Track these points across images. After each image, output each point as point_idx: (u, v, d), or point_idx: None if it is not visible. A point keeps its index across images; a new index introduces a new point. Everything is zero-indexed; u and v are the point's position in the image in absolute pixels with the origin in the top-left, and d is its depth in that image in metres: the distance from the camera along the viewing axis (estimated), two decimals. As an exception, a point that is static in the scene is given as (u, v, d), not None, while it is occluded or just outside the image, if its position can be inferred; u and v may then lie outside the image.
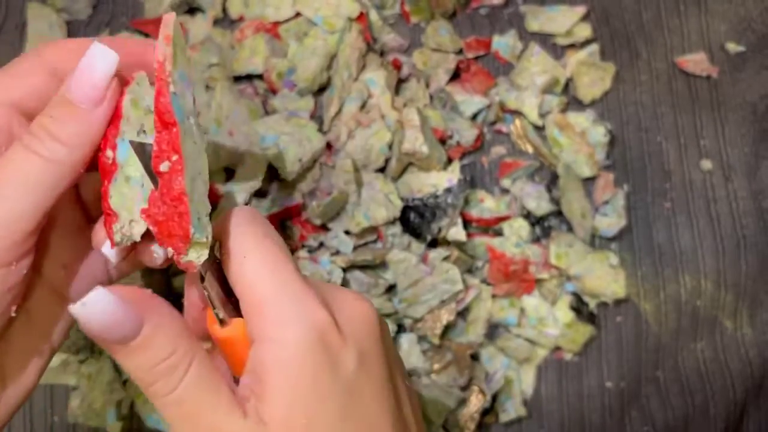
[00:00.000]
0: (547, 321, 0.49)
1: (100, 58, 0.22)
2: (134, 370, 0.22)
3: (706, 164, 0.52)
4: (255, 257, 0.23)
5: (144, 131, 0.24)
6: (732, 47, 0.54)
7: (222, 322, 0.24)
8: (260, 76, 0.50)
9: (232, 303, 0.25)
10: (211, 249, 0.24)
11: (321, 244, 0.47)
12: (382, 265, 0.47)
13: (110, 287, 0.21)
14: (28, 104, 0.23)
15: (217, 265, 0.25)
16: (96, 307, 0.20)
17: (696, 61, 0.53)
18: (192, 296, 0.26)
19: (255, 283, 0.23)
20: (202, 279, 0.24)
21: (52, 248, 0.25)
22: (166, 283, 0.46)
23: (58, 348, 0.26)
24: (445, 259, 0.47)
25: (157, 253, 0.25)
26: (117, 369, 0.46)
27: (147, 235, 0.24)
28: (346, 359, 0.23)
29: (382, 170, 0.48)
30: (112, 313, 0.20)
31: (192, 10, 0.53)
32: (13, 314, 0.22)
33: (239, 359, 0.24)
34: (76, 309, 0.20)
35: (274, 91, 0.49)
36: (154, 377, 0.21)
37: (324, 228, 0.47)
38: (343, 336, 0.23)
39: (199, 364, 0.22)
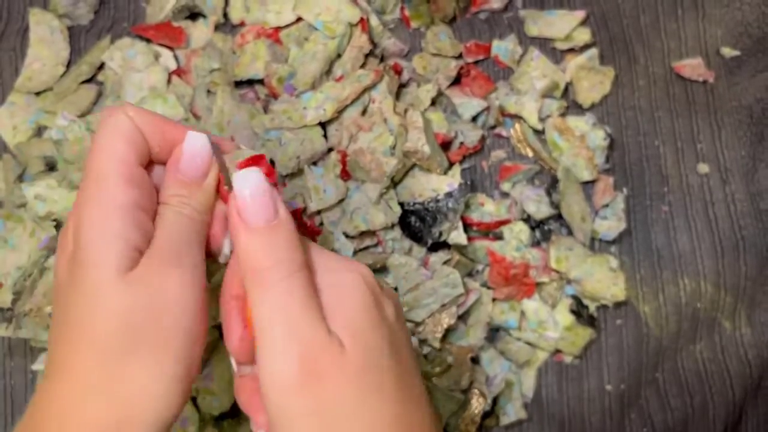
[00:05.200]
0: (548, 324, 0.49)
1: (198, 144, 0.28)
2: (261, 249, 0.26)
3: (704, 167, 0.53)
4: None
5: None
6: (727, 51, 0.54)
7: None
8: (261, 81, 0.50)
9: None
10: None
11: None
12: (383, 269, 0.47)
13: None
14: (135, 153, 0.28)
15: None
16: (251, 179, 0.26)
17: (693, 66, 0.54)
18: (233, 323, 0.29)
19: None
20: None
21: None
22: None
23: None
24: (446, 263, 0.48)
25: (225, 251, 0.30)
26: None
27: None
28: (387, 307, 0.27)
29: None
30: (265, 189, 0.26)
31: (193, 16, 0.53)
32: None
33: None
34: (238, 177, 0.26)
35: (275, 96, 0.50)
36: (274, 260, 0.25)
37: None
38: (383, 289, 0.28)
39: (306, 269, 0.26)
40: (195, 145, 0.28)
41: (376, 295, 0.27)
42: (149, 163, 0.29)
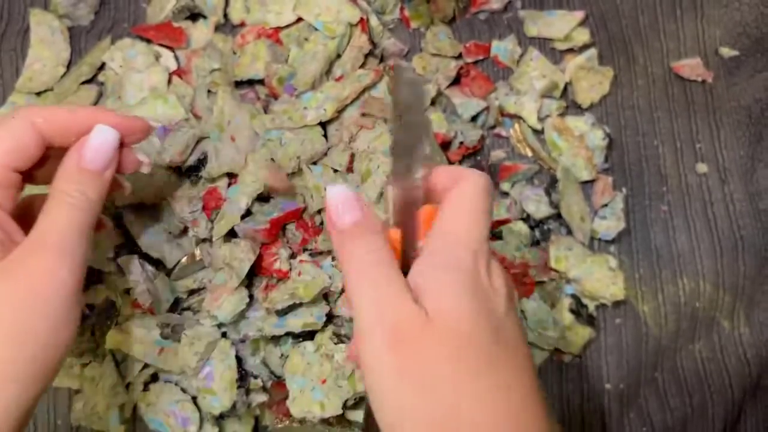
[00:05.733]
0: (547, 323, 0.49)
1: (107, 136, 0.32)
2: (351, 240, 0.29)
3: (702, 167, 0.53)
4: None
5: None
6: (726, 52, 0.54)
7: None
8: (261, 81, 0.50)
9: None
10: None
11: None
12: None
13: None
14: (14, 161, 0.32)
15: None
16: (340, 195, 0.30)
17: (691, 66, 0.54)
18: None
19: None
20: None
21: None
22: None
23: None
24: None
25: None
26: (120, 372, 0.46)
27: None
28: (497, 300, 0.28)
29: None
30: (348, 197, 0.30)
31: (194, 16, 0.53)
32: None
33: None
34: (332, 191, 0.30)
35: (275, 96, 0.50)
36: (363, 247, 0.29)
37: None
38: (492, 283, 0.29)
39: (390, 254, 0.29)
40: (105, 139, 0.32)
41: (482, 286, 0.28)
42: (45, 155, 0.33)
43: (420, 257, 0.30)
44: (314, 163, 0.47)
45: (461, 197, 0.30)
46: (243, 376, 0.45)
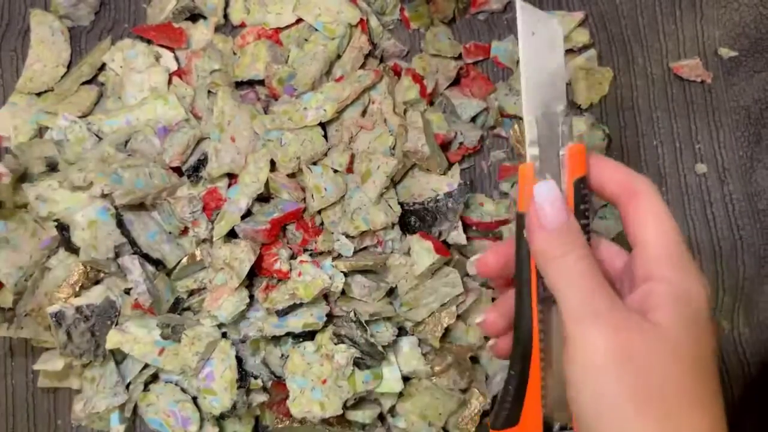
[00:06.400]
0: (547, 323, 0.49)
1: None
2: (556, 243, 0.28)
3: (702, 167, 0.53)
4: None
5: None
6: (725, 52, 0.54)
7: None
8: (262, 82, 0.50)
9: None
10: None
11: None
12: (383, 269, 0.47)
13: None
14: None
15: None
16: (550, 193, 0.28)
17: (691, 67, 0.54)
18: None
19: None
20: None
21: None
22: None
23: None
24: (446, 263, 0.48)
25: None
26: (120, 372, 0.46)
27: None
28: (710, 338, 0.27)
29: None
30: (557, 197, 0.28)
31: (194, 17, 0.53)
32: None
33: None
34: (541, 188, 0.28)
35: (275, 97, 0.50)
36: (567, 250, 0.27)
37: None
38: (711, 319, 0.28)
39: (593, 259, 0.28)
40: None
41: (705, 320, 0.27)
42: None
43: (644, 276, 0.28)
44: (314, 164, 0.47)
45: (660, 223, 0.28)
46: (243, 376, 0.45)
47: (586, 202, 0.29)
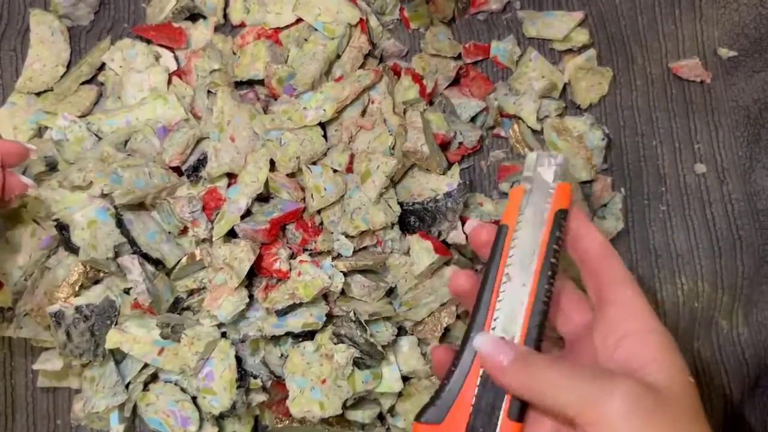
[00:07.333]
0: (546, 323, 0.49)
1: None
2: (518, 368, 0.29)
3: (701, 167, 0.53)
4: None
5: None
6: (724, 52, 0.54)
7: None
8: (261, 82, 0.50)
9: None
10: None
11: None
12: (383, 269, 0.47)
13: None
14: None
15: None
16: (488, 344, 0.30)
17: (690, 67, 0.54)
18: None
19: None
20: None
21: None
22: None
23: None
24: (446, 263, 0.48)
25: None
26: (119, 372, 0.46)
27: None
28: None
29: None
30: (495, 343, 0.30)
31: (193, 17, 0.53)
32: None
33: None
34: (479, 342, 0.30)
35: (275, 97, 0.50)
36: (526, 363, 0.29)
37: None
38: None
39: (550, 358, 0.29)
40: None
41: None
42: None
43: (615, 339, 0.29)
44: (314, 163, 0.47)
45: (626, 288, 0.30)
46: (243, 376, 0.45)
47: (561, 231, 0.31)
